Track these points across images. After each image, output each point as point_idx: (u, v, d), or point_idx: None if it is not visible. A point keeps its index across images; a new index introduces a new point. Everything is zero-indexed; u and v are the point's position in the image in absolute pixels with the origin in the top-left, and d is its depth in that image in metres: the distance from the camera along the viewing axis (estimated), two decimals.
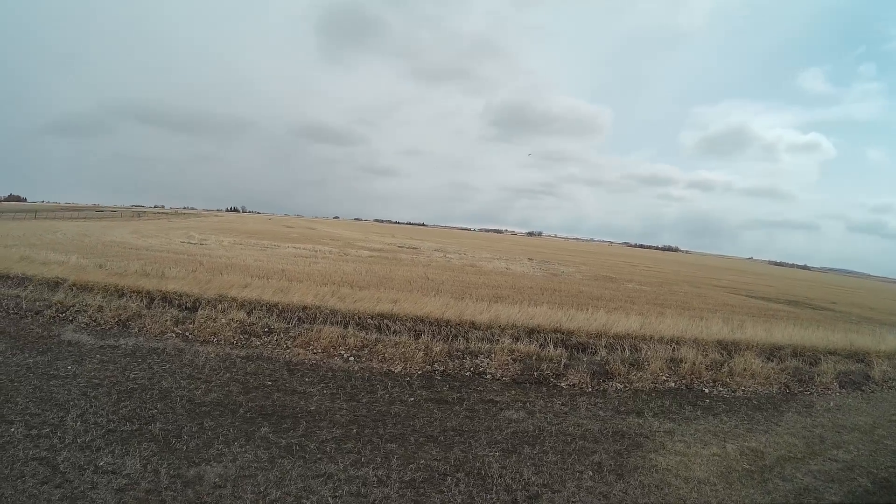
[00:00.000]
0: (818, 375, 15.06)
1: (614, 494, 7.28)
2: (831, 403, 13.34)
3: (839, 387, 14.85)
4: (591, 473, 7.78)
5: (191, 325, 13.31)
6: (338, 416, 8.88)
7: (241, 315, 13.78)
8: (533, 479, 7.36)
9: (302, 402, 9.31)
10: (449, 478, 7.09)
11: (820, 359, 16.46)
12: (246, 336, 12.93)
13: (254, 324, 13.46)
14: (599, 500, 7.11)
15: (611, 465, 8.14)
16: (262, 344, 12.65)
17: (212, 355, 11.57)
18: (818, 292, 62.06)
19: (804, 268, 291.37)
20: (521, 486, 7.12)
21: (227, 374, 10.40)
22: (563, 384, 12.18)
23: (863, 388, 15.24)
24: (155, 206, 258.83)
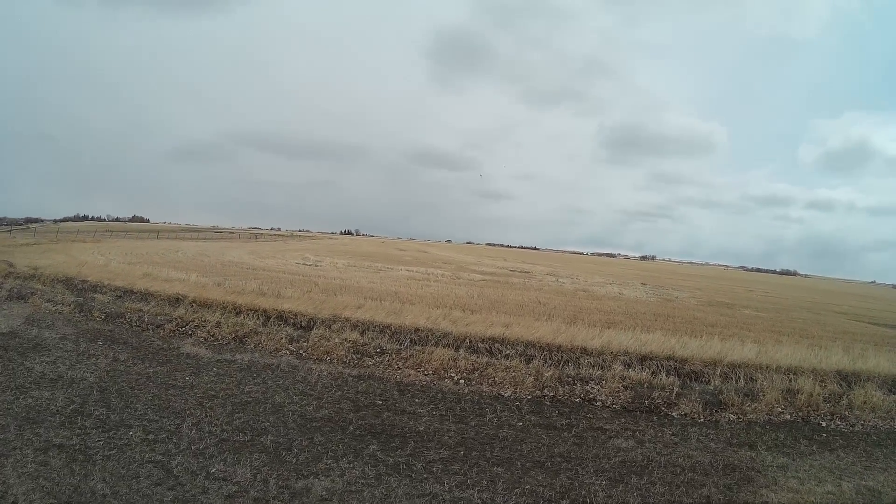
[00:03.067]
0: None
1: None
2: None
3: None
4: None
5: (304, 344, 13.65)
6: (446, 437, 8.92)
7: (354, 335, 14.05)
8: None
9: (411, 423, 9.40)
10: None
11: None
12: (358, 356, 13.14)
13: (366, 344, 13.69)
14: None
15: (720, 499, 7.92)
16: (373, 364, 12.84)
17: (324, 373, 11.82)
18: None
19: None
20: None
21: (339, 392, 10.60)
22: (674, 413, 11.93)
23: None
24: (271, 229, 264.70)
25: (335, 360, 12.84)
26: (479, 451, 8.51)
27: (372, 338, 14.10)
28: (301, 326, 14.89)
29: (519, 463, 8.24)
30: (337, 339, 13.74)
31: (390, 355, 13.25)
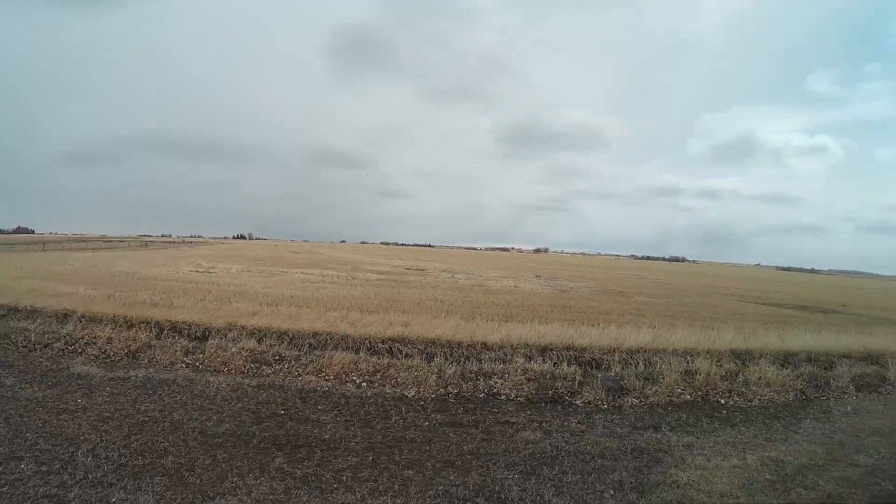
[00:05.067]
0: (834, 380, 14.98)
1: None
2: (849, 408, 13.25)
3: (856, 390, 14.76)
4: (612, 492, 7.63)
5: (201, 356, 13.24)
6: (353, 443, 8.73)
7: (252, 343, 13.69)
8: (554, 500, 7.23)
9: (316, 431, 9.15)
10: (469, 503, 6.98)
11: (834, 363, 16.42)
12: (257, 365, 12.81)
13: (264, 352, 13.35)
14: None
15: (632, 482, 8.00)
16: (273, 372, 12.53)
17: (223, 385, 11.43)
18: (828, 295, 61.87)
19: (812, 271, 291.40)
20: None
21: (240, 405, 10.24)
22: (578, 402, 12.07)
23: (879, 390, 15.17)
24: (162, 236, 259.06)
25: (233, 371, 12.47)
26: (388, 454, 8.36)
27: (270, 345, 13.76)
28: (196, 337, 14.38)
29: (429, 464, 8.13)
30: (234, 349, 13.36)
31: (290, 362, 12.97)
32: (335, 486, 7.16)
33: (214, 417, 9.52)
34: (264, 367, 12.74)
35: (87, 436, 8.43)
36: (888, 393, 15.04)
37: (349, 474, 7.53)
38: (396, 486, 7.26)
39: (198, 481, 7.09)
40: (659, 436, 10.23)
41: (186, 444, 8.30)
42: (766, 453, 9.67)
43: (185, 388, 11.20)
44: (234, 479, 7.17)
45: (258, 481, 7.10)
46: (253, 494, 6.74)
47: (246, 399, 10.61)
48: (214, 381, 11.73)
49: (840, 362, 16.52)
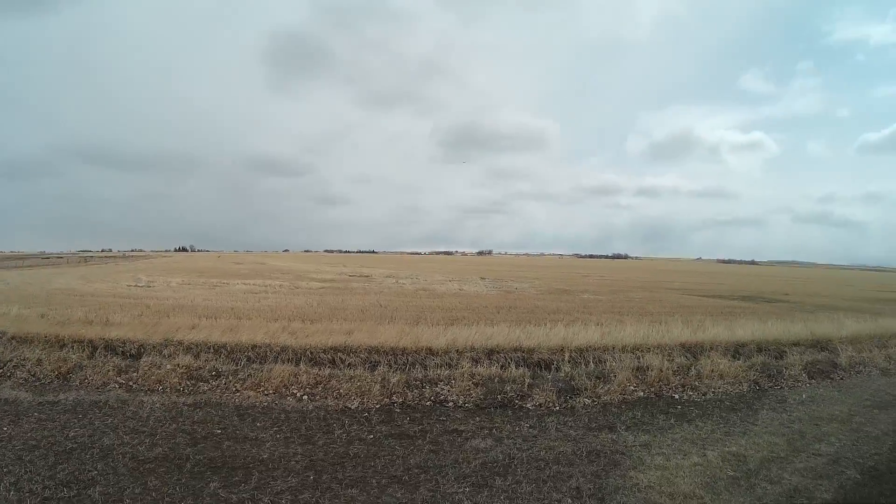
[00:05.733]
0: (786, 368, 15.13)
1: None
2: (804, 396, 13.27)
3: (808, 378, 14.91)
4: (570, 501, 7.31)
5: (135, 374, 12.55)
6: (293, 462, 8.19)
7: (188, 359, 13.04)
8: None
9: (254, 450, 8.58)
10: None
11: (785, 351, 16.60)
12: (193, 382, 12.19)
13: (201, 368, 12.75)
14: None
15: (590, 488, 7.68)
16: (209, 389, 11.91)
17: (157, 405, 10.77)
18: (770, 285, 63.37)
19: (752, 263, 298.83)
20: None
21: (174, 425, 9.60)
22: (528, 405, 11.75)
23: (831, 376, 15.35)
24: (102, 251, 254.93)
25: (168, 389, 11.82)
26: (331, 472, 7.85)
27: (207, 360, 13.18)
28: (130, 355, 13.71)
29: (374, 481, 7.65)
30: (169, 366, 12.70)
31: (227, 377, 12.39)
32: None
33: (147, 441, 8.87)
34: (201, 383, 12.13)
35: (10, 467, 7.78)
36: (841, 379, 15.21)
37: (289, 497, 7.01)
38: None
39: None
40: (615, 436, 9.97)
41: (116, 472, 7.66)
42: (727, 448, 9.53)
43: (117, 409, 10.53)
44: None
45: None
46: None
47: (181, 419, 9.97)
48: (148, 400, 11.07)
49: (791, 350, 16.74)
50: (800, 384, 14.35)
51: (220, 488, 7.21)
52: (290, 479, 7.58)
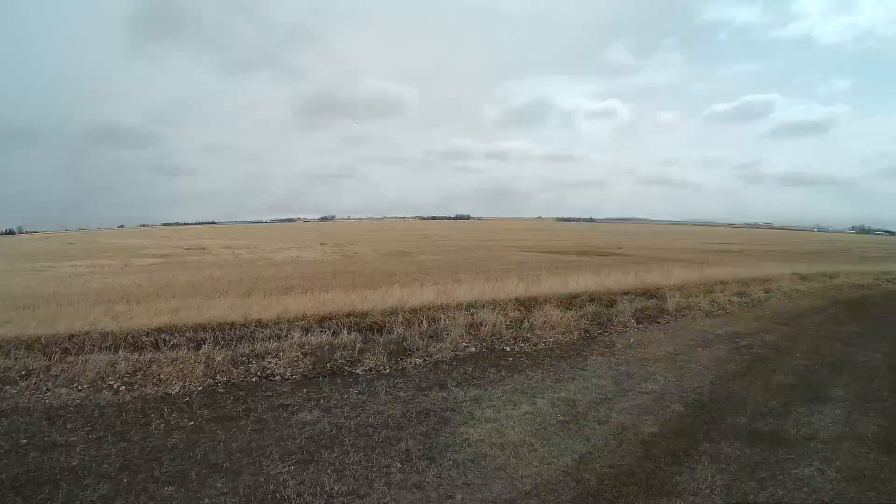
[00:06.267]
0: (616, 316, 15.82)
1: (428, 483, 6.76)
2: (632, 340, 13.86)
3: (636, 323, 15.62)
4: (399, 465, 7.20)
5: None
6: (105, 465, 7.41)
7: None
8: (336, 488, 6.60)
9: (63, 458, 7.67)
10: None
11: (616, 301, 17.16)
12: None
13: (9, 367, 11.40)
14: (413, 492, 6.54)
15: (419, 450, 7.63)
16: (17, 392, 10.56)
17: None
18: (605, 241, 66.53)
19: (590, 221, 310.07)
20: (323, 501, 6.32)
21: None
22: (358, 370, 11.56)
23: (658, 320, 16.10)
24: None
25: None
26: (147, 471, 7.20)
27: (17, 358, 11.89)
28: None
29: (193, 473, 7.13)
30: None
31: (38, 375, 11.15)
32: None
33: None
34: (7, 386, 10.78)
35: None
36: (667, 323, 16.05)
37: None
38: None
39: None
40: (445, 394, 10.02)
41: None
42: (556, 395, 9.83)
43: None
44: None
45: None
46: None
47: None
48: None
49: (621, 299, 17.39)
50: (628, 329, 14.99)
51: None
52: (101, 485, 6.86)
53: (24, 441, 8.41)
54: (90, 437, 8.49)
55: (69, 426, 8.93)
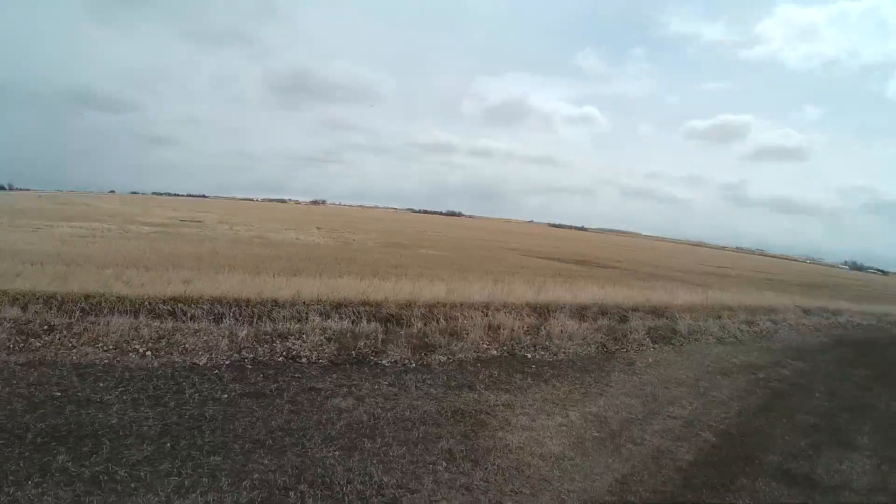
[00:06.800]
0: (630, 333, 15.79)
1: (476, 485, 6.76)
2: (650, 359, 13.88)
3: (652, 342, 15.63)
4: (444, 464, 7.19)
5: None
6: (145, 427, 7.42)
7: (15, 311, 11.64)
8: (385, 479, 6.60)
9: (100, 415, 7.69)
10: (292, 492, 6.10)
11: (627, 316, 17.26)
12: (23, 337, 10.83)
13: (31, 321, 11.38)
14: (463, 494, 6.55)
15: (462, 450, 7.62)
16: (43, 345, 10.63)
17: None
18: (601, 251, 66.11)
19: (582, 229, 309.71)
20: (374, 491, 6.30)
21: (8, 388, 8.43)
22: (384, 362, 11.59)
23: (672, 342, 16.16)
24: None
25: None
26: (188, 438, 7.20)
27: (37, 312, 11.80)
28: None
29: (237, 446, 7.13)
30: None
31: (61, 332, 11.16)
32: (133, 485, 5.92)
33: None
34: (32, 339, 10.83)
35: None
36: (681, 345, 16.12)
37: (147, 468, 6.31)
38: (205, 479, 6.19)
39: None
40: (476, 395, 10.02)
41: None
42: (587, 409, 9.80)
43: None
44: (11, 489, 5.64)
45: (40, 489, 5.63)
46: None
47: (14, 381, 8.80)
48: None
49: (632, 315, 17.33)
50: (644, 348, 15.01)
51: (69, 461, 6.35)
52: (145, 447, 6.87)
53: (58, 394, 8.45)
54: (124, 397, 8.50)
55: (101, 385, 8.96)
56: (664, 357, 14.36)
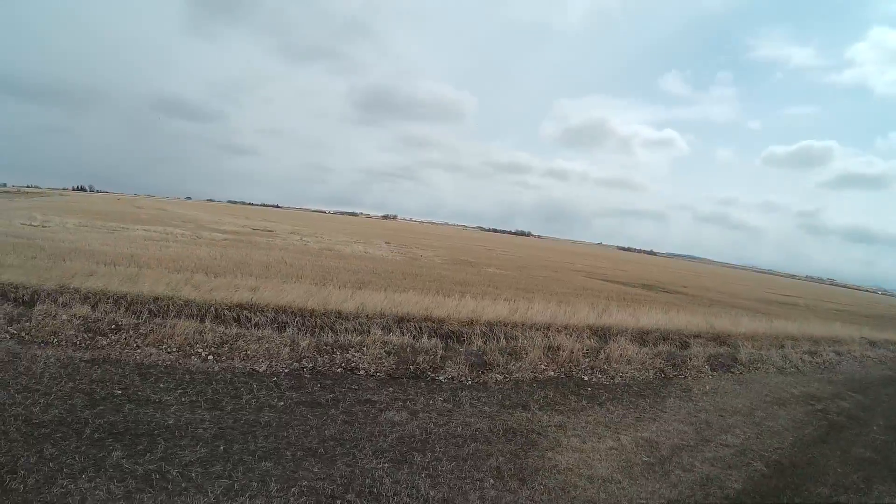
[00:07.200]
0: (690, 359, 15.66)
1: (521, 503, 6.75)
2: (707, 387, 13.67)
3: (710, 370, 15.43)
4: (492, 481, 7.23)
5: (27, 324, 11.47)
6: (200, 429, 7.66)
7: (85, 309, 12.14)
8: (431, 493, 6.68)
9: (158, 415, 7.95)
10: (339, 501, 6.24)
11: (688, 342, 17.12)
12: (91, 335, 11.27)
13: (99, 319, 11.85)
14: None
15: (510, 469, 7.65)
16: (109, 344, 11.01)
17: (52, 360, 9.79)
18: (668, 276, 65.29)
19: (651, 253, 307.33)
20: None
21: (71, 384, 8.74)
22: (441, 378, 11.68)
23: (732, 370, 15.95)
24: None
25: (64, 342, 10.86)
26: (242, 443, 7.41)
27: (106, 311, 12.28)
28: (23, 302, 12.59)
29: (289, 453, 7.30)
30: (65, 316, 11.82)
31: (127, 332, 11.56)
32: (184, 485, 6.12)
33: (42, 401, 8.00)
34: (99, 337, 11.26)
35: None
36: (741, 373, 15.93)
37: (199, 470, 6.52)
38: (255, 483, 6.37)
39: (21, 487, 5.73)
40: (529, 415, 10.02)
41: (7, 438, 6.81)
42: (639, 434, 9.72)
43: (8, 364, 9.45)
44: (65, 481, 5.89)
45: (93, 484, 5.89)
46: (88, 502, 5.68)
47: (78, 376, 9.11)
48: (42, 354, 10.04)
49: (693, 342, 17.19)
50: (703, 375, 14.82)
51: (123, 458, 6.58)
52: (198, 448, 7.10)
53: (119, 392, 8.76)
54: (182, 399, 8.77)
55: (161, 385, 9.26)
56: (722, 385, 14.17)
